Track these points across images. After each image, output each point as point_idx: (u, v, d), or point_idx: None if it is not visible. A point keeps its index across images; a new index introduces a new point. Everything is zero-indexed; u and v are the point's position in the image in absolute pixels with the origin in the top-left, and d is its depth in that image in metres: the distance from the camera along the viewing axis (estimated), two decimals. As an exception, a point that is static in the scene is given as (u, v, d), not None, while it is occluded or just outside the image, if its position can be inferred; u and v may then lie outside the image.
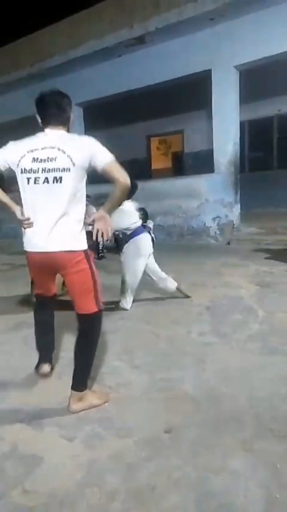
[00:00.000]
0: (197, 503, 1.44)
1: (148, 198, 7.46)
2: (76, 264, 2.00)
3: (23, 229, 2.07)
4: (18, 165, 1.97)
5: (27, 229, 2.04)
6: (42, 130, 2.06)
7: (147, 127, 11.22)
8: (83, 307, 2.06)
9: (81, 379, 2.08)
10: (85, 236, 2.07)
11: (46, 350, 2.49)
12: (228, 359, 2.59)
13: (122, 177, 1.93)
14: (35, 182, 1.95)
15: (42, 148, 1.94)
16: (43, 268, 2.16)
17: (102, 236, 2.05)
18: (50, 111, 2.03)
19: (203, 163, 9.24)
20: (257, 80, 7.71)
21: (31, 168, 1.94)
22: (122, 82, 8.08)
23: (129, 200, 3.73)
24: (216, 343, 2.85)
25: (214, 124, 7.26)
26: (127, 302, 3.75)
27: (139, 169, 11.08)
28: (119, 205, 2.15)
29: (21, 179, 1.99)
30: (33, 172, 1.94)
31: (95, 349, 2.11)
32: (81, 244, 2.03)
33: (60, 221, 1.96)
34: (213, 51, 6.92)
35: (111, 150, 1.94)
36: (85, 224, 2.09)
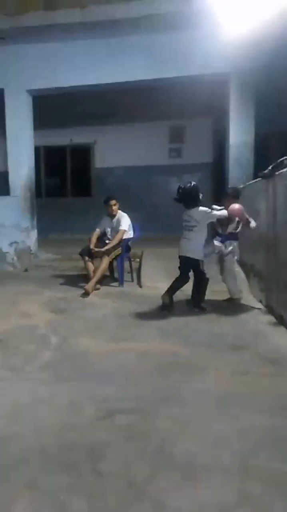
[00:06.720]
0: None
1: None
2: None
3: None
4: None
5: None
6: None
7: None
8: None
9: None
10: None
11: None
12: (18, 394, 2.51)
13: None
14: None
15: None
16: None
17: None
18: None
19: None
20: (52, 108, 7.99)
21: None
22: None
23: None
24: (6, 379, 2.73)
25: (8, 146, 7.12)
26: None
27: None
28: None
29: None
30: None
31: None
32: None
33: None
34: (5, 71, 6.82)
35: None
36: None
